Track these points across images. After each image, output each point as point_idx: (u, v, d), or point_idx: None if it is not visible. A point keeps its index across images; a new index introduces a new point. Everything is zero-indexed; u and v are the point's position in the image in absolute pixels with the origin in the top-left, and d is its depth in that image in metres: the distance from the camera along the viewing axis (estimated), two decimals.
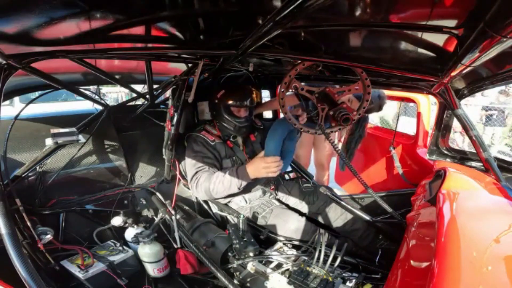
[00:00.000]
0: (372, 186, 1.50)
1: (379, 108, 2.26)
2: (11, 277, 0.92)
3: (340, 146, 2.73)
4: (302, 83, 1.46)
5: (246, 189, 1.80)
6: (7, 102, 4.08)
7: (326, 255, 1.26)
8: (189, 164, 1.70)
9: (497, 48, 0.82)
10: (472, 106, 5.91)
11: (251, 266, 1.32)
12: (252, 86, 1.90)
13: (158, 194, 1.82)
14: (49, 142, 1.51)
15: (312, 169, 2.70)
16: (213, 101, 1.80)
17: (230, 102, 1.72)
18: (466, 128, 1.56)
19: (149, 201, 1.89)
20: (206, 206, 1.98)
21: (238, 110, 1.74)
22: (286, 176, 2.16)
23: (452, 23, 0.86)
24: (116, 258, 1.52)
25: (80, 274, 1.38)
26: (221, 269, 1.31)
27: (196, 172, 1.65)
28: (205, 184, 1.61)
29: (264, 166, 1.53)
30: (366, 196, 2.00)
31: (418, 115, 2.45)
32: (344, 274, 1.25)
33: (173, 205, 1.71)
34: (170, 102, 1.68)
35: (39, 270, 1.26)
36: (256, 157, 1.60)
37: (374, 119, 5.36)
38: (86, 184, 1.89)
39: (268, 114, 2.65)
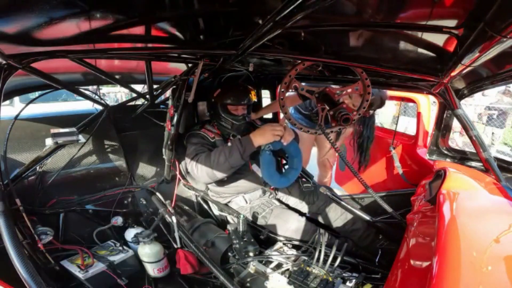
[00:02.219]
0: (372, 186, 1.50)
1: (381, 102, 2.20)
2: (11, 277, 0.92)
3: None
4: (302, 83, 1.46)
5: (247, 189, 1.80)
6: (7, 102, 4.08)
7: (326, 255, 1.26)
8: (188, 155, 1.68)
9: (497, 48, 0.82)
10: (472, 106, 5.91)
11: (251, 266, 1.32)
12: (252, 86, 1.90)
13: (158, 194, 1.82)
14: (49, 142, 1.51)
15: (311, 169, 2.68)
16: (210, 101, 1.81)
17: (227, 100, 1.73)
18: (466, 128, 1.56)
19: (149, 201, 1.89)
20: (206, 206, 1.99)
21: (235, 109, 1.74)
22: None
23: (452, 23, 0.86)
24: (116, 258, 1.52)
25: (80, 274, 1.38)
26: (221, 269, 1.31)
27: (196, 155, 1.63)
28: (206, 160, 1.57)
29: (270, 128, 1.55)
30: (366, 196, 1.99)
31: (418, 115, 2.45)
32: (344, 274, 1.25)
33: (173, 205, 1.70)
34: (170, 102, 1.68)
35: (39, 270, 1.25)
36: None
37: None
38: (86, 184, 1.89)
39: (267, 114, 2.65)
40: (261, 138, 1.56)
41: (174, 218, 1.57)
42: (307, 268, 1.23)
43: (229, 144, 1.59)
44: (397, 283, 0.91)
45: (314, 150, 3.19)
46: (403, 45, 1.13)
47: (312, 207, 1.87)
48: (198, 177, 1.65)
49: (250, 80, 2.08)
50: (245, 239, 1.40)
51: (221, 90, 1.76)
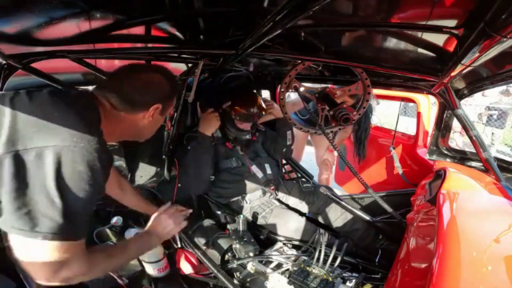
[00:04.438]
0: (372, 186, 1.50)
1: None
2: (11, 277, 0.92)
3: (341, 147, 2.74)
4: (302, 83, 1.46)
5: (247, 190, 1.80)
6: None
7: (326, 255, 1.26)
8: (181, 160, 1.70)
9: (497, 48, 0.81)
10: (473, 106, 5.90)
11: (251, 266, 1.32)
12: (252, 87, 1.90)
13: (158, 194, 1.82)
14: None
15: (311, 169, 2.68)
16: (217, 110, 1.77)
17: (236, 117, 1.71)
18: (466, 128, 1.56)
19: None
20: (206, 206, 1.98)
21: (241, 123, 1.73)
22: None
23: (452, 23, 0.86)
24: None
25: None
26: (221, 269, 1.31)
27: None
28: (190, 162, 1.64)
29: (213, 115, 1.68)
30: (366, 196, 1.99)
31: (418, 115, 2.45)
32: (344, 274, 1.26)
33: None
34: None
35: None
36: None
37: (374, 119, 5.33)
38: None
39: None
40: (210, 128, 1.66)
41: None
42: (307, 268, 1.23)
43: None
44: (397, 283, 0.91)
45: (313, 150, 3.20)
46: (403, 45, 1.13)
47: (312, 207, 1.87)
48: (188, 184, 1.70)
49: (250, 80, 2.08)
50: (245, 239, 1.40)
51: (231, 104, 1.72)
